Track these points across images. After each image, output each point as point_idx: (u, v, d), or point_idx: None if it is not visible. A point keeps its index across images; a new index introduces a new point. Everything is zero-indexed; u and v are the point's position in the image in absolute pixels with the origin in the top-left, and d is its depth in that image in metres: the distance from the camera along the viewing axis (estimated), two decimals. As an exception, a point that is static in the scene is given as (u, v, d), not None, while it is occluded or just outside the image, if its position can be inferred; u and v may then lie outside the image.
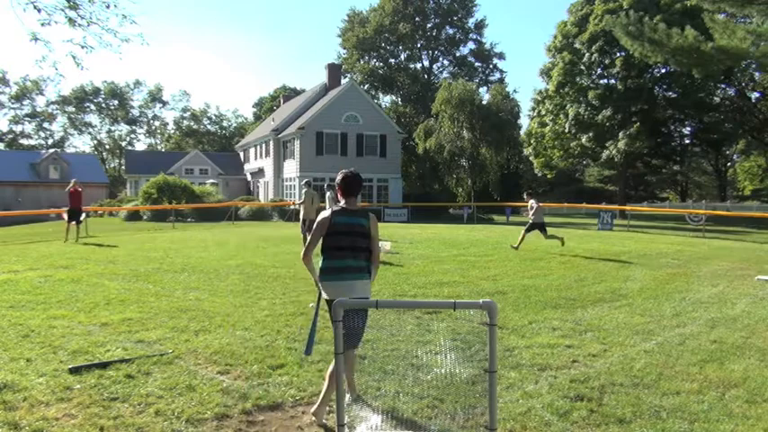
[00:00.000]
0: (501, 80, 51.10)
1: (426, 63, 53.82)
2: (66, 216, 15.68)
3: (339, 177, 3.75)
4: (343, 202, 3.73)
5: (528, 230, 12.95)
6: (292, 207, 27.29)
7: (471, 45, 53.05)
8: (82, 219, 16.29)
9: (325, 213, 3.69)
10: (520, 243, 12.86)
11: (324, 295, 3.66)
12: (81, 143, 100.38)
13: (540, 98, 37.50)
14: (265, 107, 62.60)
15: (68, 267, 9.78)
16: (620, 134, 31.46)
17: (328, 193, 18.85)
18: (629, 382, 4.26)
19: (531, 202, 12.98)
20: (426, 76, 52.76)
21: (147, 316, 6.16)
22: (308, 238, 3.81)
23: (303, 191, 13.04)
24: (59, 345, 5.00)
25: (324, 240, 3.65)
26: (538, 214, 12.86)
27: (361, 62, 52.14)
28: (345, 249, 3.60)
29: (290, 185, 34.69)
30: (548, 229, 13.27)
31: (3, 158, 43.75)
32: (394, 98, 55.35)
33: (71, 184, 15.51)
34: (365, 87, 48.51)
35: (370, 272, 3.70)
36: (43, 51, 21.18)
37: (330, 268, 3.62)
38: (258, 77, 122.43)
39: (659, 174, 48.36)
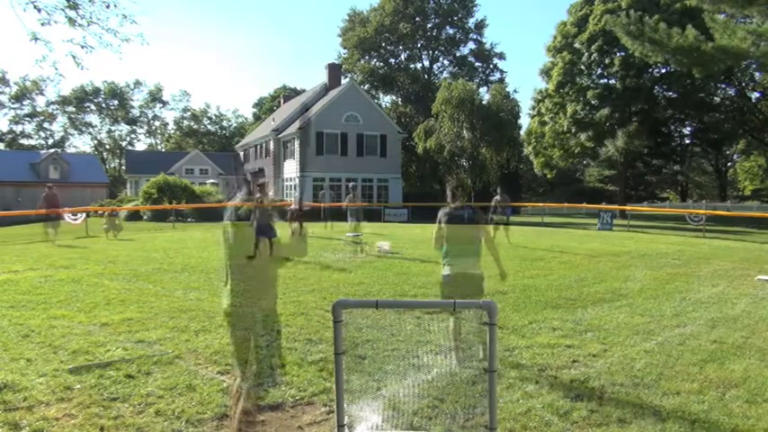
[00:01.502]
0: (501, 80, 51.04)
1: (426, 63, 53.80)
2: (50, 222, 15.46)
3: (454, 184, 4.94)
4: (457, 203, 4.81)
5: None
6: (292, 207, 27.36)
7: (471, 45, 53.03)
8: (80, 221, 16.19)
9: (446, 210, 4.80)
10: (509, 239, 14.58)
11: (448, 271, 4.63)
12: (81, 143, 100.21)
13: (540, 97, 37.50)
14: (265, 107, 62.54)
15: (68, 267, 9.78)
16: (619, 133, 31.47)
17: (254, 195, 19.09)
18: (629, 382, 4.26)
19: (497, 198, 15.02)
20: (426, 76, 52.72)
21: (147, 316, 6.16)
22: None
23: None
24: (59, 345, 5.00)
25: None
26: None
27: (362, 62, 52.11)
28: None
29: (291, 185, 34.68)
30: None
31: (3, 158, 43.69)
32: (394, 98, 55.31)
33: (46, 189, 15.36)
34: (365, 87, 48.46)
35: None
36: (43, 51, 21.08)
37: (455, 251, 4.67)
38: (258, 77, 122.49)
39: (659, 174, 48.32)
